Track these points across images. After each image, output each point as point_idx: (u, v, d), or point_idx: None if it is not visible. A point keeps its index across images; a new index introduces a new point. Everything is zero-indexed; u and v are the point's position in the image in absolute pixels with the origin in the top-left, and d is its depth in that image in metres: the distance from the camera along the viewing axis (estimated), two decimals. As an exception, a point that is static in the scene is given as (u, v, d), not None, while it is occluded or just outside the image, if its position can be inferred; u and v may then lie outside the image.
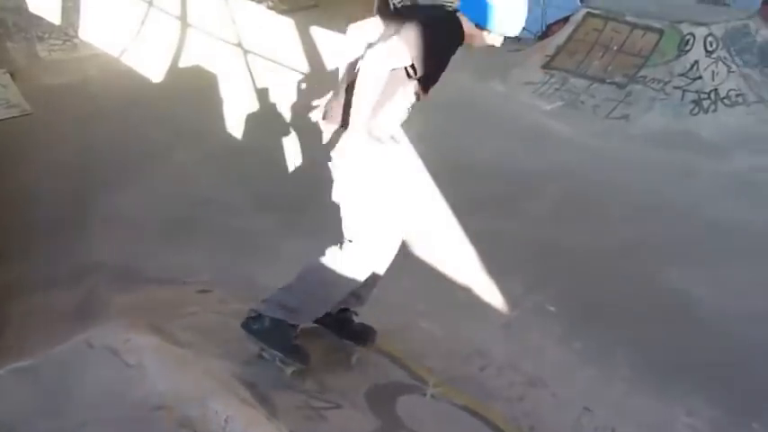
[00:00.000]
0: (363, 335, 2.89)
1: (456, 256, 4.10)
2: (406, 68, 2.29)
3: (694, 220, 4.50)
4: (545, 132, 6.06)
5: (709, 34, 6.26)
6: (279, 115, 6.59)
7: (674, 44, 6.35)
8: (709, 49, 6.23)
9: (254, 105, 6.95)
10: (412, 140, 5.72)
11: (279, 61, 8.34)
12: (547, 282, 3.81)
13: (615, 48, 6.72)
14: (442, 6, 2.74)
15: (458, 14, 2.42)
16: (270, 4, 10.65)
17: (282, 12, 10.50)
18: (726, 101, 6.05)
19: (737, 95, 6.07)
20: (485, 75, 7.69)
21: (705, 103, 6.07)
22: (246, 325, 2.49)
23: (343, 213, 2.50)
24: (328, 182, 2.60)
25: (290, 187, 5.05)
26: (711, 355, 3.23)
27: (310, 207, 4.72)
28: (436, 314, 3.51)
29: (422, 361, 3.16)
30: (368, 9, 10.52)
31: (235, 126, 6.40)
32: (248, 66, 8.28)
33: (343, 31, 2.59)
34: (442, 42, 2.35)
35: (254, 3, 10.43)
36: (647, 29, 6.57)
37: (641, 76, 6.38)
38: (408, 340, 3.30)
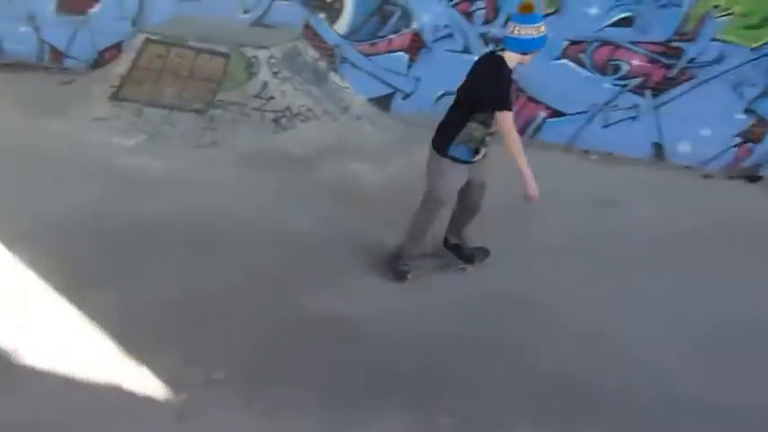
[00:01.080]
0: (471, 257, 4.38)
1: (85, 347, 3.30)
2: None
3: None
4: (137, 172, 5.45)
5: (271, 56, 6.58)
6: None
7: (242, 67, 6.47)
8: (274, 70, 6.55)
9: None
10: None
11: None
12: (204, 346, 3.39)
13: (185, 74, 6.49)
14: (493, 54, 3.80)
15: (502, 54, 3.66)
16: None
17: None
18: (300, 117, 6.47)
19: (307, 110, 6.55)
20: (37, 112, 6.53)
21: (283, 121, 6.37)
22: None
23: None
24: None
25: None
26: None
27: None
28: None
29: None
30: None
31: None
32: None
33: None
34: (506, 82, 3.63)
35: None
36: (213, 53, 6.54)
37: (219, 101, 6.32)
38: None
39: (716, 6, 5.94)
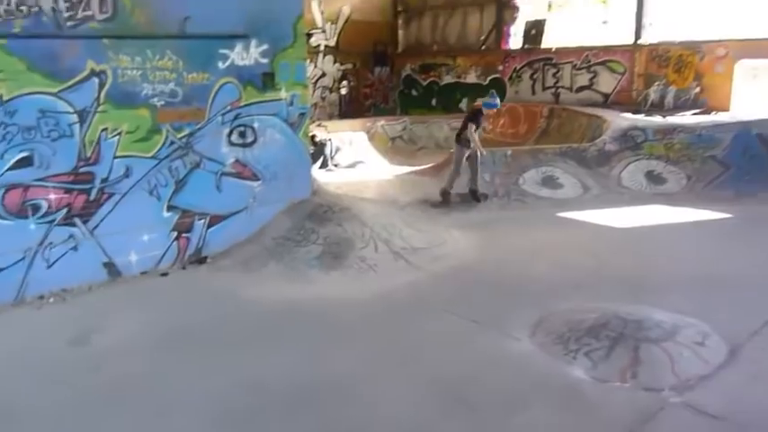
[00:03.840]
0: (479, 197, 9.74)
1: None
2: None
3: None
4: None
5: None
6: None
7: None
8: None
9: None
10: None
11: None
12: None
13: None
14: (479, 110, 9.71)
15: (483, 109, 9.70)
16: None
17: None
18: None
19: None
20: None
21: None
22: None
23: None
24: None
25: None
26: None
27: None
28: None
29: None
30: None
31: None
32: None
33: None
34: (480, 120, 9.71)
35: None
36: None
37: None
38: None
39: (104, 129, 6.39)
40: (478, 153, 9.61)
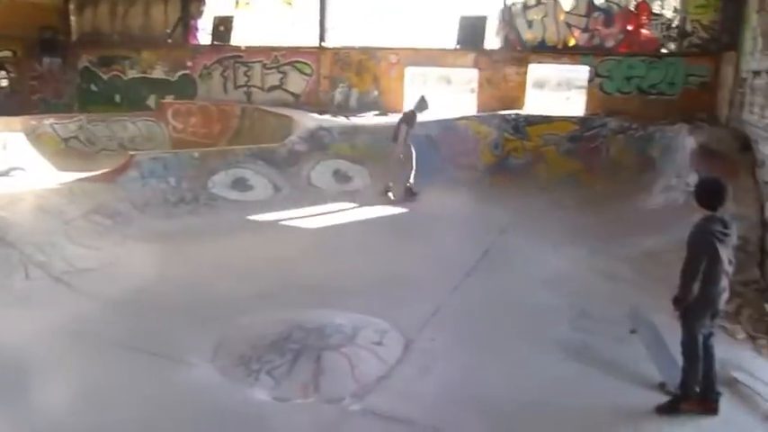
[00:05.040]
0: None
1: None
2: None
3: None
4: None
5: None
6: None
7: None
8: None
9: None
10: None
11: None
12: None
13: None
14: (411, 111, 10.58)
15: (416, 113, 10.55)
16: None
17: None
18: None
19: None
20: None
21: None
22: None
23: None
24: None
25: None
26: None
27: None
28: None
29: None
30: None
31: None
32: None
33: None
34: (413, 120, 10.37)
35: None
36: None
37: None
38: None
39: None
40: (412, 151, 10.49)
